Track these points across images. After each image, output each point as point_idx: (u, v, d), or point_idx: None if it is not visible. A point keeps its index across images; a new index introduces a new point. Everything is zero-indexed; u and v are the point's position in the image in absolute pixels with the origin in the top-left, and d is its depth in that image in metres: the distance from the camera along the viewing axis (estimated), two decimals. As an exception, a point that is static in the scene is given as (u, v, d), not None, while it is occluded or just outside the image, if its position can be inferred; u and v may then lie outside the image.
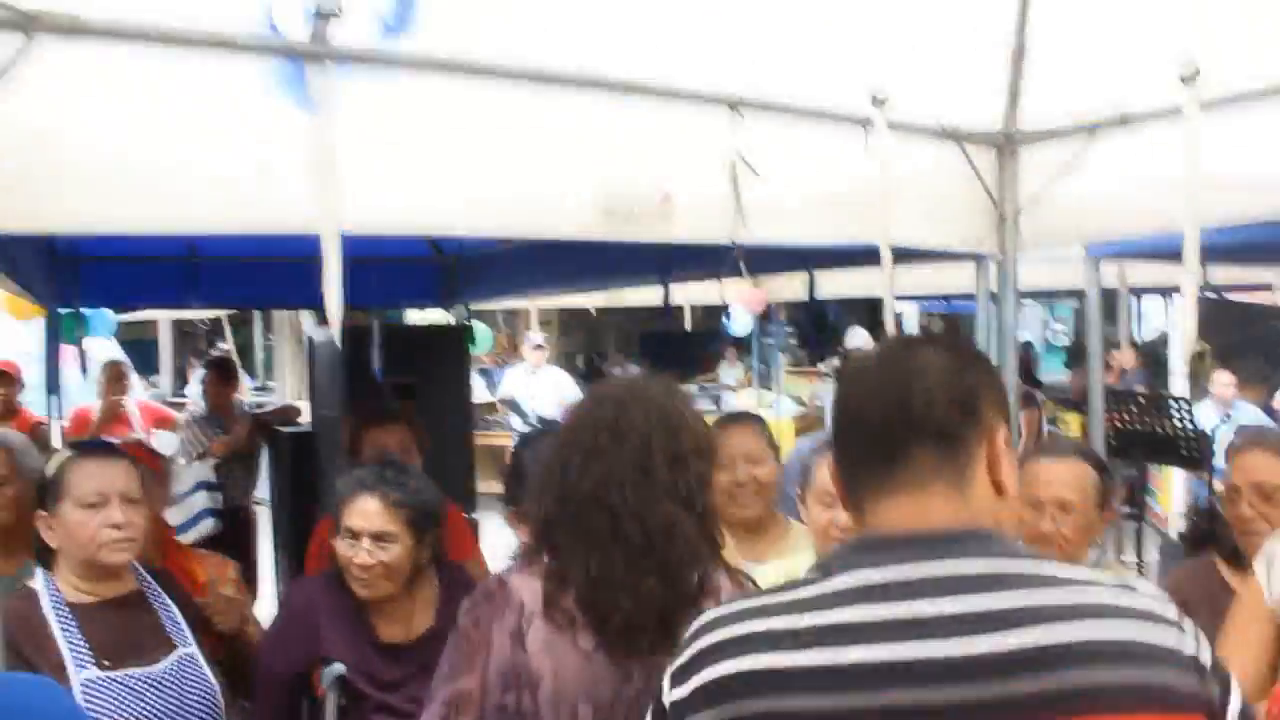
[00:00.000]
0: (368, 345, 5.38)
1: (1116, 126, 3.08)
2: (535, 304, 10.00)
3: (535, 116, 2.45)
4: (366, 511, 2.61)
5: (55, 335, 5.07)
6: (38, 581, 2.42)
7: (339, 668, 2.56)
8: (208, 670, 2.51)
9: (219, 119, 2.11)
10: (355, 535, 2.60)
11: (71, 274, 4.72)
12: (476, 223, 2.42)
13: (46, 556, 2.45)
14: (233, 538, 5.45)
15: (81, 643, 2.36)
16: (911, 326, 11.55)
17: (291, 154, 2.13)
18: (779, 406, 9.18)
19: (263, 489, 6.48)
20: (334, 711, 2.56)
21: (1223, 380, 6.74)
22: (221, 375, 6.50)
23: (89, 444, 2.76)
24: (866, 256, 3.01)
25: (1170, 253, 3.02)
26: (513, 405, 8.73)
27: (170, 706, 2.41)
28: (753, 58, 2.78)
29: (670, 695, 1.25)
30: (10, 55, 1.87)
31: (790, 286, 7.27)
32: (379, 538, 2.59)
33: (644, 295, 7.43)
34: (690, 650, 1.24)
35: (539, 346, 9.29)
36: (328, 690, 2.56)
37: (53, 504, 2.42)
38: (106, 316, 6.81)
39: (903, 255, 2.99)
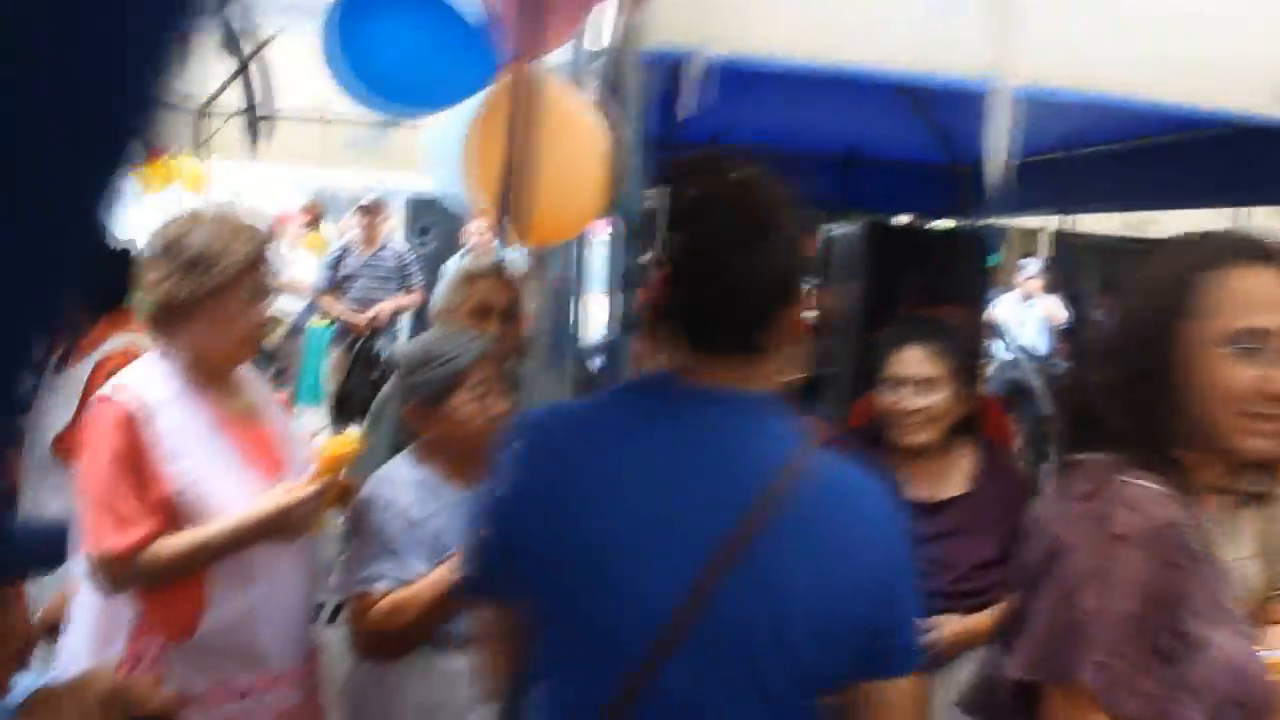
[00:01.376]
0: (887, 245, 5.33)
1: None
2: (1045, 228, 9.55)
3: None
4: (911, 359, 2.67)
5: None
6: None
7: None
8: None
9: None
10: (900, 382, 2.66)
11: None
12: (1140, 83, 2.25)
13: None
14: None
15: None
16: None
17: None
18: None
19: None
20: None
21: None
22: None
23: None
24: None
25: None
26: (999, 331, 8.44)
27: None
28: None
29: None
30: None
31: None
32: (923, 383, 2.65)
33: (1174, 223, 6.83)
34: None
35: (1032, 275, 8.92)
36: None
37: None
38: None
39: None
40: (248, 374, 2.61)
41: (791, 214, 1.47)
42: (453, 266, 8.00)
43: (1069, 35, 2.14)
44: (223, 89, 6.39)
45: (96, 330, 3.20)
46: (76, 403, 3.04)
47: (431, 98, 1.98)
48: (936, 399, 2.65)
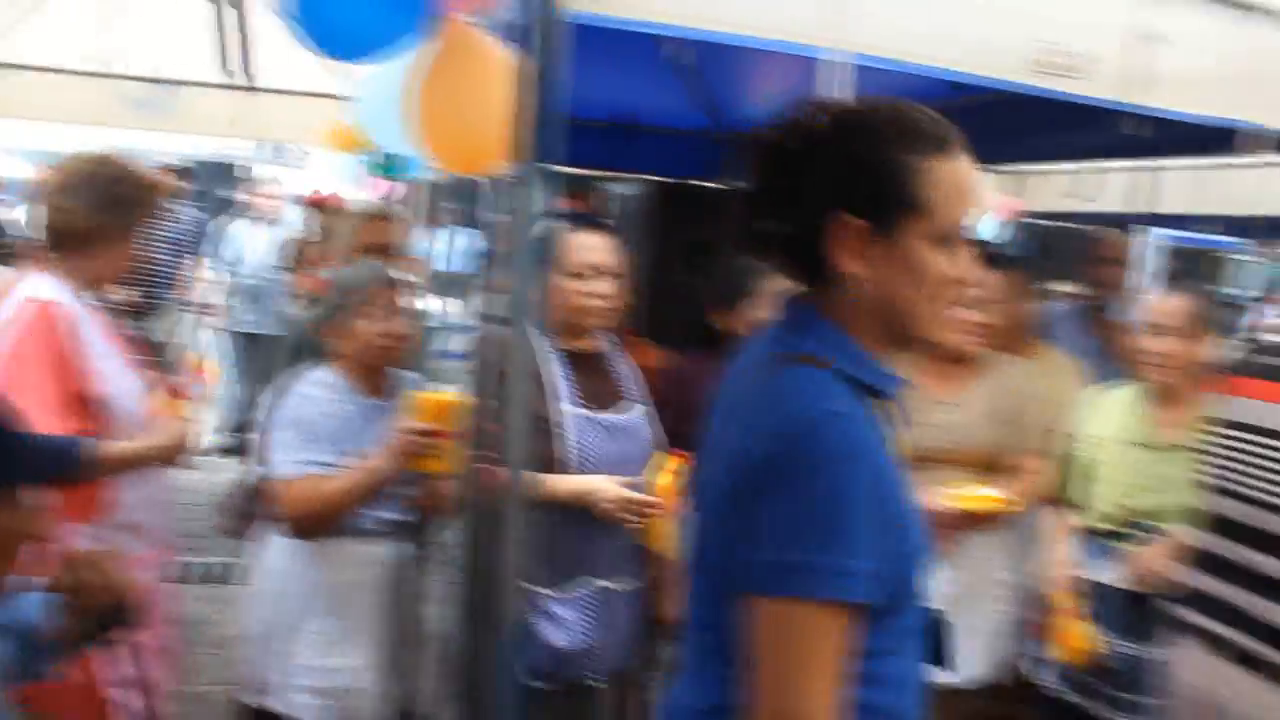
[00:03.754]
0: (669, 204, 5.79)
1: None
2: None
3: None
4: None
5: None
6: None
7: None
8: (653, 427, 2.98)
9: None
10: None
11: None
12: (945, 56, 2.76)
13: None
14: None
15: (570, 383, 2.82)
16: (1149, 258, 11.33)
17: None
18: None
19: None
20: None
21: None
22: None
23: (579, 216, 3.29)
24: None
25: None
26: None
27: (627, 451, 2.87)
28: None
29: None
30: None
31: (1048, 195, 7.30)
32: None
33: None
34: None
35: None
36: None
37: None
38: (418, 160, 7.39)
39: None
40: None
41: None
42: (234, 228, 8.01)
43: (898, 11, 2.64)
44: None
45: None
46: None
47: (370, 47, 2.27)
48: None
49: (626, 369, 3.03)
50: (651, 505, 2.78)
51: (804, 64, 3.35)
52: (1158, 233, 11.10)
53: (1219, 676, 2.27)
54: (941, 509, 3.17)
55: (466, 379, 2.95)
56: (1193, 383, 3.16)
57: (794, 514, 1.36)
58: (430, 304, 7.15)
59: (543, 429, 2.70)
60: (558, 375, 2.80)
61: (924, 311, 1.50)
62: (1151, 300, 3.23)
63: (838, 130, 1.49)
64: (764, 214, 1.54)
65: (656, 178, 6.11)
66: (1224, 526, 2.36)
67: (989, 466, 3.35)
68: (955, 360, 3.37)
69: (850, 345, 1.51)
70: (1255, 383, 2.37)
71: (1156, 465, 3.15)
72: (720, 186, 6.38)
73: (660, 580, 2.99)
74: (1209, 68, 3.06)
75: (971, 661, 3.27)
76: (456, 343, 6.03)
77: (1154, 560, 3.06)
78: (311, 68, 5.74)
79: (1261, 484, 2.24)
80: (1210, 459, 2.53)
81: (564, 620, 2.79)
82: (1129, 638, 3.13)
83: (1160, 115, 3.11)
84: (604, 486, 2.75)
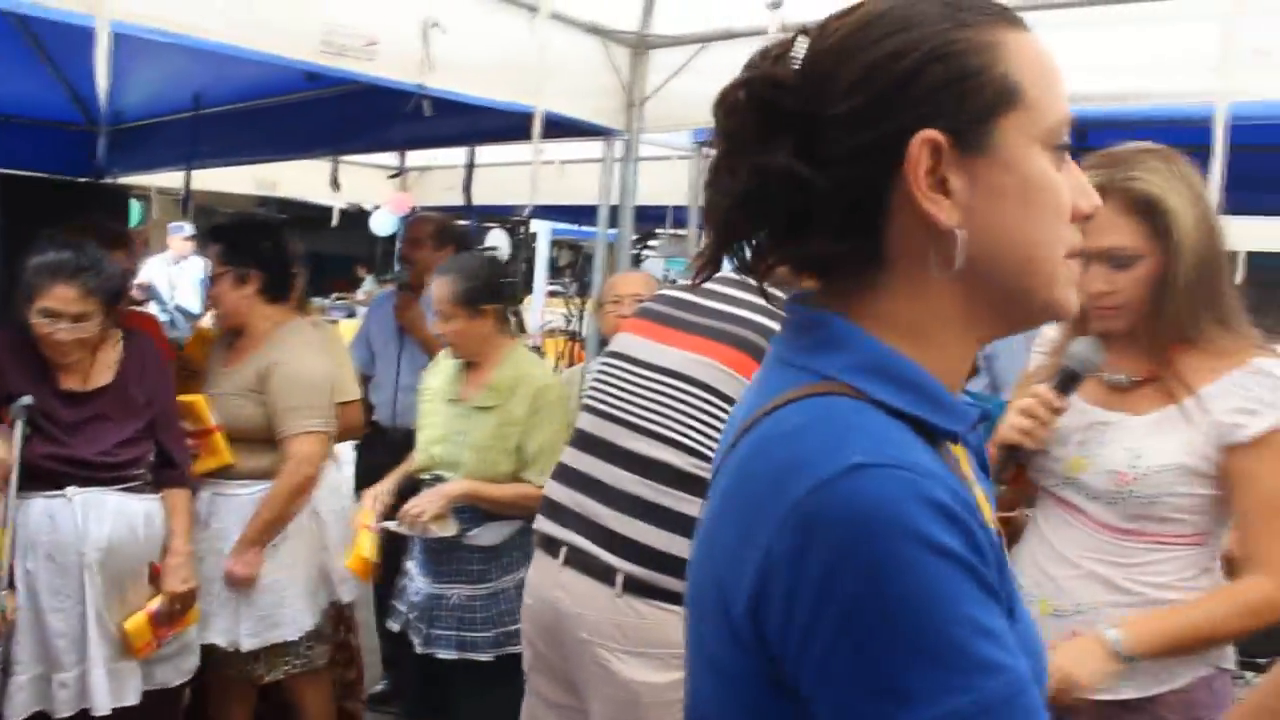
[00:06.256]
0: (21, 198, 5.43)
1: (723, 39, 3.93)
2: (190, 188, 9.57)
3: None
4: (66, 297, 3.00)
5: None
6: None
7: (27, 399, 2.96)
8: None
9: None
10: (54, 315, 3.00)
11: None
12: (230, 32, 2.86)
13: None
14: None
15: None
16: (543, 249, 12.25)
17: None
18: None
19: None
20: (20, 438, 2.94)
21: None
22: None
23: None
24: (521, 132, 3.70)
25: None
26: (152, 292, 8.68)
27: None
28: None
29: None
30: None
31: (434, 190, 7.70)
32: (78, 318, 3.02)
33: (302, 186, 7.57)
34: None
35: (188, 237, 9.24)
36: (15, 419, 2.93)
37: None
38: None
39: (551, 131, 3.67)
40: None
41: None
42: None
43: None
44: None
45: None
46: None
47: None
48: (88, 329, 3.04)
49: None
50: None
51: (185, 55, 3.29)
52: (553, 226, 12.16)
53: (555, 579, 2.47)
54: None
55: None
56: (490, 351, 3.42)
57: (874, 640, 0.81)
58: None
59: None
60: None
61: (1051, 254, 0.96)
62: (434, 287, 3.41)
63: (857, 30, 0.95)
64: (773, 183, 0.96)
65: (16, 171, 5.69)
66: (580, 439, 2.58)
67: (258, 438, 3.47)
68: (238, 331, 3.56)
69: (896, 361, 0.96)
70: (636, 321, 2.63)
71: (457, 420, 3.41)
72: (87, 181, 6.13)
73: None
74: (479, 53, 3.46)
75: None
76: None
77: (416, 505, 3.27)
78: None
79: (612, 399, 2.51)
80: (590, 384, 2.80)
81: None
82: (426, 577, 3.36)
83: (452, 99, 3.44)
84: None
